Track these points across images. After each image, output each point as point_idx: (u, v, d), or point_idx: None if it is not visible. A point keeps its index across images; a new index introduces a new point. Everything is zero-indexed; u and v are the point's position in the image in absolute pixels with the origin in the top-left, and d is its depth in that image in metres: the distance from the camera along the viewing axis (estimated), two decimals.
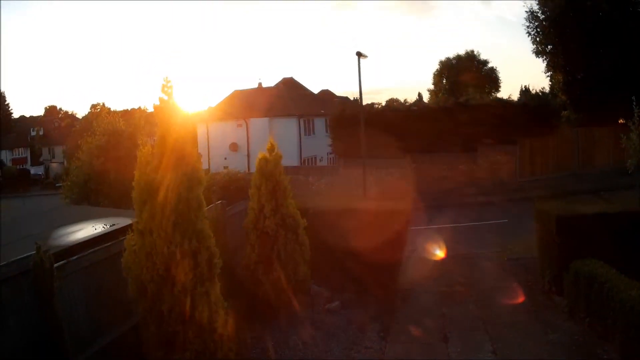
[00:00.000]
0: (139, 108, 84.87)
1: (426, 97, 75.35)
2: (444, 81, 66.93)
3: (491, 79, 66.32)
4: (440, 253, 16.33)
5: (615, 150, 26.92)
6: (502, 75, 67.08)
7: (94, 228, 10.25)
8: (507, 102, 30.86)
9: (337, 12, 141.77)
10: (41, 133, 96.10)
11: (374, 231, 11.69)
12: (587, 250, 10.69)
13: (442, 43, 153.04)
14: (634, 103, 17.66)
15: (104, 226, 10.30)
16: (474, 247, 17.52)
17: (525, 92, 51.14)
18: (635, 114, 17.20)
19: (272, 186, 10.64)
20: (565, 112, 33.36)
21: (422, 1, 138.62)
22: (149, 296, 7.09)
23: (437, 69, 68.60)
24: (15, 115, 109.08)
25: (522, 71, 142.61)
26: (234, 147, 49.93)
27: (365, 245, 11.60)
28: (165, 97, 7.59)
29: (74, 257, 7.22)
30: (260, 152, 11.13)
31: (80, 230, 10.21)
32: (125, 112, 73.75)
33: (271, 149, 11.01)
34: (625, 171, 17.23)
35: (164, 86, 7.61)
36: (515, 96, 41.13)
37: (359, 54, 26.18)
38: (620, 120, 28.80)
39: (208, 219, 7.65)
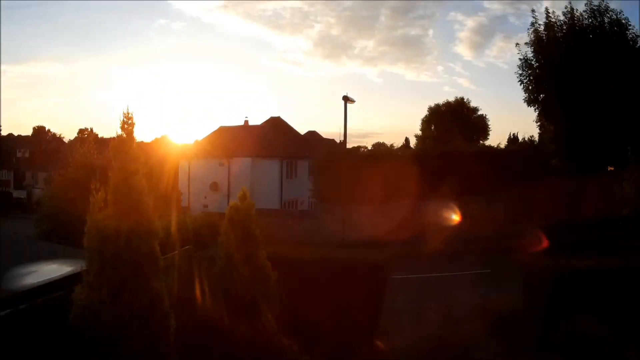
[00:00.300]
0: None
1: (413, 143, 75.48)
2: (432, 127, 66.99)
3: (480, 126, 66.44)
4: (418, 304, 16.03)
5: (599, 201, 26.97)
6: (491, 124, 67.70)
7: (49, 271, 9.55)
8: (494, 149, 31.56)
9: (329, 60, 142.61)
10: (27, 155, 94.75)
11: (349, 283, 11.32)
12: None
13: (433, 90, 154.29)
14: (629, 153, 17.45)
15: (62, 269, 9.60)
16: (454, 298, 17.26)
17: (513, 139, 51.32)
18: (631, 162, 16.98)
19: (242, 236, 10.04)
20: (554, 160, 32.85)
21: (413, 48, 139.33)
22: None
23: (426, 115, 69.05)
24: (4, 132, 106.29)
25: (511, 119, 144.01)
26: (214, 186, 49.24)
27: (340, 297, 11.27)
28: (124, 135, 6.93)
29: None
30: (232, 201, 10.58)
31: (34, 272, 9.54)
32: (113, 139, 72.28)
33: (243, 197, 10.41)
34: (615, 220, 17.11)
35: (123, 123, 6.95)
36: (503, 144, 41.46)
37: (346, 98, 25.99)
38: (610, 168, 29.98)
39: (172, 266, 7.02)
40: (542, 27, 32.15)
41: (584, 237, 24.52)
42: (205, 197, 46.92)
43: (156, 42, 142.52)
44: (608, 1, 31.57)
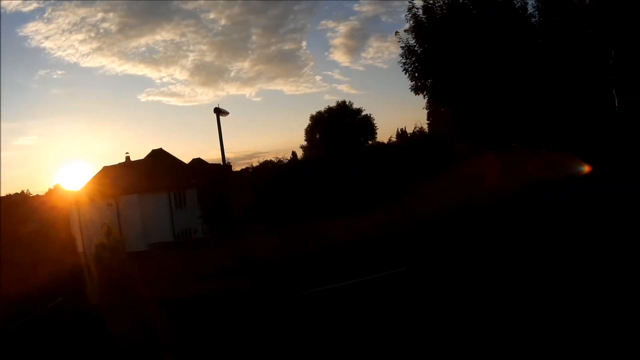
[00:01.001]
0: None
1: (300, 155, 73.71)
2: (317, 136, 66.14)
3: (367, 126, 65.12)
4: None
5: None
6: (379, 123, 66.82)
7: None
8: (388, 145, 29.89)
9: (207, 87, 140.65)
10: None
11: None
12: None
13: (315, 101, 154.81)
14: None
15: None
16: None
17: (402, 134, 51.77)
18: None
19: (108, 275, 8.69)
20: (459, 145, 32.05)
21: (289, 63, 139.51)
22: None
23: (309, 125, 67.84)
24: None
25: (398, 116, 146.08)
26: (108, 230, 47.13)
27: None
28: None
29: None
30: (97, 239, 9.21)
31: None
32: None
33: (108, 233, 9.03)
34: None
35: None
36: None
37: (218, 110, 25.10)
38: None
39: None
40: (420, 11, 30.31)
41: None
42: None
43: (40, 93, 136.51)
44: None
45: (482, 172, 28.51)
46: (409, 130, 63.32)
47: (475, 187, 27.57)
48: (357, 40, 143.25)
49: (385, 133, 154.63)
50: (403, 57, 30.92)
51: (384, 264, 19.47)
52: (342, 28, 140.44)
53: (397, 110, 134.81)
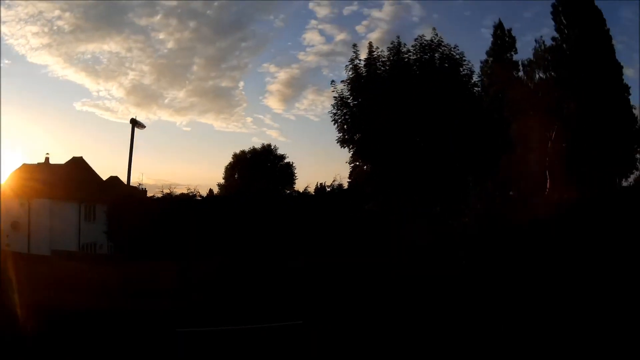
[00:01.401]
0: None
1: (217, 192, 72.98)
2: (236, 175, 65.83)
3: (287, 174, 65.55)
4: None
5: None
6: (300, 174, 68.46)
7: None
8: (305, 194, 30.18)
9: (140, 108, 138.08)
10: None
11: None
12: None
13: (242, 140, 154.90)
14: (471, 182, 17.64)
15: None
16: None
17: (320, 189, 52.94)
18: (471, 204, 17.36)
19: None
20: (370, 204, 32.02)
21: (223, 100, 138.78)
22: None
23: (230, 162, 67.42)
24: None
25: (320, 171, 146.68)
26: (15, 225, 48.03)
27: None
28: None
29: None
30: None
31: None
32: None
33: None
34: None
35: None
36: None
37: (134, 122, 24.70)
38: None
39: None
40: (362, 63, 30.43)
41: None
42: (8, 236, 44.03)
43: None
44: (442, 37, 30.66)
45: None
46: (329, 183, 64.56)
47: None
48: (293, 89, 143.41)
49: (304, 184, 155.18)
50: (334, 108, 30.79)
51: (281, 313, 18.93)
52: (283, 75, 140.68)
53: (321, 164, 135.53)
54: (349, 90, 30.65)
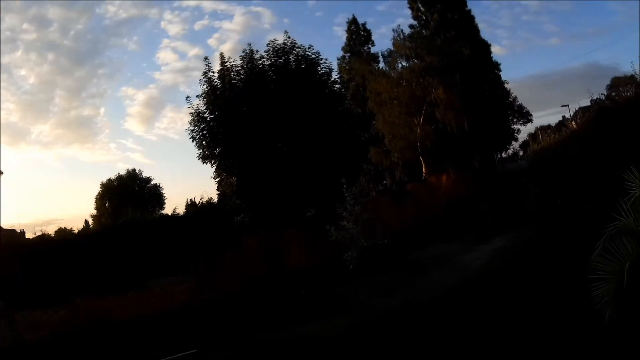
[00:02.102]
0: None
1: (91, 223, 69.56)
2: (107, 204, 63.30)
3: (155, 196, 65.07)
4: None
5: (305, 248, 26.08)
6: (166, 192, 66.95)
7: None
8: (172, 217, 27.85)
9: (10, 147, 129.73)
10: None
11: None
12: None
13: (108, 168, 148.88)
14: (345, 187, 16.41)
15: None
16: None
17: (192, 204, 50.75)
18: (348, 204, 16.14)
19: None
20: (241, 216, 30.12)
21: (86, 129, 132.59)
22: None
23: (99, 192, 64.80)
24: None
25: (191, 186, 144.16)
26: None
27: None
28: None
29: None
30: None
31: None
32: None
33: None
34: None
35: None
36: (181, 210, 40.24)
37: None
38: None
39: None
40: (215, 75, 28.98)
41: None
42: None
43: None
44: (295, 39, 29.83)
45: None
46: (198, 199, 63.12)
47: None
48: (152, 109, 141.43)
49: (175, 203, 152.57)
50: (192, 124, 29.05)
51: (173, 345, 17.54)
52: (141, 96, 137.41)
53: (188, 180, 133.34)
54: (204, 104, 28.93)
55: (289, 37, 29.87)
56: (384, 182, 43.48)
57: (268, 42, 29.83)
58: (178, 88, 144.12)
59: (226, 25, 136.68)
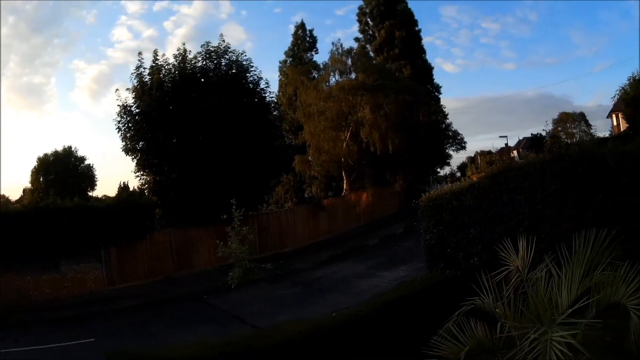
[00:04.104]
0: None
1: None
2: (41, 179, 61.02)
3: (88, 176, 63.20)
4: None
5: (215, 250, 25.37)
6: (101, 173, 64.93)
7: None
8: (90, 207, 26.91)
9: None
10: None
11: None
12: None
13: (53, 139, 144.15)
14: (234, 207, 15.88)
15: None
16: None
17: (124, 188, 49.51)
18: (235, 219, 15.61)
19: None
20: (159, 211, 30.15)
21: (36, 96, 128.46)
22: None
23: (35, 167, 62.43)
24: None
25: (121, 168, 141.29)
26: None
27: None
28: None
29: None
30: None
31: None
32: None
33: None
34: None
35: None
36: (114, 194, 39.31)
37: None
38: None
39: None
40: (147, 71, 28.70)
41: (195, 288, 23.96)
42: None
43: None
44: (229, 44, 30.04)
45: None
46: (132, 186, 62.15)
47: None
48: (101, 85, 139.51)
49: (109, 183, 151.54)
50: (119, 116, 28.67)
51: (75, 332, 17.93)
52: (91, 70, 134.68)
53: (128, 161, 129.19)
54: (133, 98, 28.55)
55: (223, 41, 29.89)
56: (305, 193, 42.67)
57: (202, 44, 30.03)
58: (128, 67, 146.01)
59: (184, 9, 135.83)
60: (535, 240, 12.11)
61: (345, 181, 40.25)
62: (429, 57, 54.27)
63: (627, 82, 37.51)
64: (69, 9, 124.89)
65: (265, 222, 31.07)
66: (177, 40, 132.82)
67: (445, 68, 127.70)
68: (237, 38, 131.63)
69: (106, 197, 32.89)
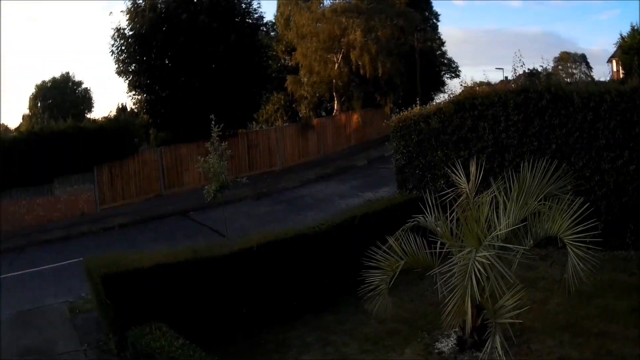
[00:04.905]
0: None
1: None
2: (39, 104, 61.34)
3: (85, 99, 63.32)
4: None
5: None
6: (99, 95, 65.25)
7: None
8: (81, 128, 27.08)
9: None
10: None
11: None
12: (152, 311, 9.14)
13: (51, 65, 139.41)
14: (213, 122, 16.15)
15: None
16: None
17: (123, 109, 49.84)
18: (214, 136, 15.83)
19: None
20: (153, 131, 31.03)
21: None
22: None
23: (33, 93, 62.78)
24: None
25: (123, 88, 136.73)
26: None
27: None
28: None
29: None
30: None
31: None
32: None
33: None
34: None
35: None
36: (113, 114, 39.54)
37: None
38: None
39: None
40: None
41: (184, 205, 24.26)
42: None
43: None
44: None
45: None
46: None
47: None
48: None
49: (110, 104, 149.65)
50: (112, 39, 28.75)
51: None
52: None
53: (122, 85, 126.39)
54: (127, 21, 28.51)
55: None
56: (299, 114, 42.62)
57: None
58: None
59: None
60: (497, 166, 12.85)
61: (335, 102, 40.28)
62: None
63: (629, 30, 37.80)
64: None
65: (255, 140, 31.12)
66: None
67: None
68: None
69: (101, 119, 32.81)
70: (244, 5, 30.19)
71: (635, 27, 36.95)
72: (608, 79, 41.54)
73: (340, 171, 29.75)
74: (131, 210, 24.96)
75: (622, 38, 38.81)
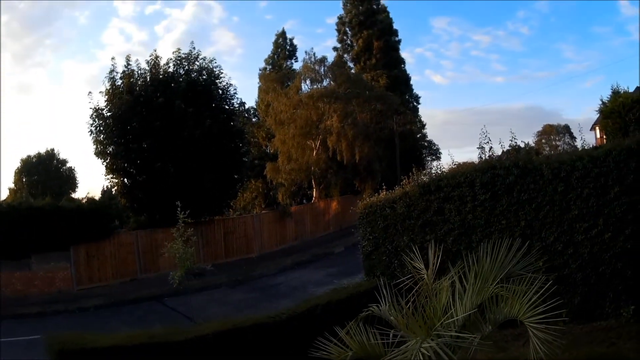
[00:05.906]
0: None
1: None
2: (24, 179, 61.62)
3: (69, 179, 63.71)
4: None
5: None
6: (84, 174, 65.59)
7: None
8: (58, 206, 26.88)
9: None
10: None
11: None
12: None
13: (37, 139, 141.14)
14: (179, 209, 16.13)
15: None
16: None
17: (107, 192, 49.79)
18: (180, 221, 15.78)
19: None
20: (131, 214, 31.03)
21: (25, 96, 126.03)
22: None
23: (18, 167, 63.12)
24: None
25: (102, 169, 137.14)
26: None
27: None
28: None
29: None
30: None
31: None
32: None
33: None
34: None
35: None
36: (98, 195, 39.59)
37: None
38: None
39: None
40: (119, 75, 29.01)
41: (159, 290, 23.78)
42: None
43: None
44: (200, 51, 30.93)
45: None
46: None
47: None
48: (90, 87, 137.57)
49: (93, 184, 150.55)
50: (91, 119, 28.68)
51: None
52: (81, 72, 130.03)
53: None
54: (105, 102, 28.75)
55: (194, 48, 30.82)
56: (277, 201, 42.48)
57: (174, 50, 30.81)
58: (117, 71, 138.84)
59: (176, 13, 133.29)
60: (465, 248, 12.36)
61: (315, 189, 40.27)
62: (417, 68, 54.38)
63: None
64: (62, 9, 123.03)
65: (232, 227, 30.93)
66: (167, 44, 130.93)
67: (435, 80, 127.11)
68: (227, 44, 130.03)
69: (82, 199, 33.05)
70: (220, 91, 30.46)
71: (617, 89, 36.82)
72: (592, 146, 41.42)
73: (318, 258, 29.39)
74: (107, 292, 24.90)
75: (603, 103, 38.61)
